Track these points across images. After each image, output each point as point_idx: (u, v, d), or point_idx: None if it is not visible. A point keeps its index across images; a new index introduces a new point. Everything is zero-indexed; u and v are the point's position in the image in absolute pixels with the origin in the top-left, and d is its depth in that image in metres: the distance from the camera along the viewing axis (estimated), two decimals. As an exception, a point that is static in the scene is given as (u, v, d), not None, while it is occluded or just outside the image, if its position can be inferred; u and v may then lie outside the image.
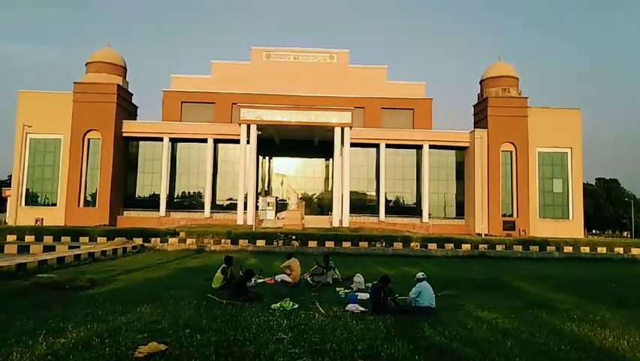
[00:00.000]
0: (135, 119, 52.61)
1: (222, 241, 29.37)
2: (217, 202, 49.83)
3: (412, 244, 30.33)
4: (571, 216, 48.52)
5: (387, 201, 49.50)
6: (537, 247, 30.70)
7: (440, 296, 11.61)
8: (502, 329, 8.67)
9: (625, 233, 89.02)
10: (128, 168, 49.91)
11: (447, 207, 51.10)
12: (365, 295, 11.18)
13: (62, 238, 29.84)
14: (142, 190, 50.46)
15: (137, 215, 47.39)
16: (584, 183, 54.14)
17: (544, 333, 8.38)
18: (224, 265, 13.20)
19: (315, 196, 54.14)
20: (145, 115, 78.11)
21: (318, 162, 53.74)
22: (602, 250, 31.12)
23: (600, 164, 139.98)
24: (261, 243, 29.01)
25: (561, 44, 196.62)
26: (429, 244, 30.17)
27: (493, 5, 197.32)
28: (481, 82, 52.73)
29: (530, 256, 28.86)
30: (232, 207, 47.47)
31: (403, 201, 51.82)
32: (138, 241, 27.99)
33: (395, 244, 29.96)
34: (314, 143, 50.24)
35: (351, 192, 45.79)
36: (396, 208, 50.53)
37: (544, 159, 48.93)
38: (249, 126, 43.97)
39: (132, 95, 52.70)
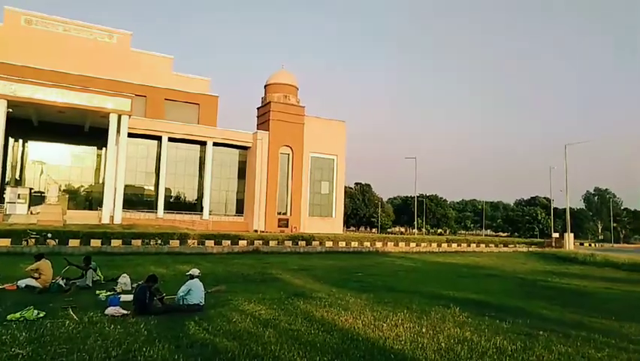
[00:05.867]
0: None
1: (-53, 240, 23.36)
2: (-57, 192, 39.58)
3: (190, 242, 29.74)
4: (334, 215, 55.26)
5: (167, 197, 47.47)
6: (304, 242, 33.91)
7: (210, 293, 11.75)
8: (263, 320, 9.26)
9: (373, 230, 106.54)
10: None
11: (228, 205, 52.02)
12: (129, 297, 10.46)
13: None
14: None
15: None
16: (345, 187, 62.56)
17: (299, 320, 9.29)
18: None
19: (83, 189, 48.19)
20: None
21: (89, 151, 47.99)
22: (354, 244, 36.33)
23: (359, 170, 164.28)
24: (5, 242, 24.14)
25: (337, 60, 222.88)
26: (207, 241, 30.07)
27: (283, 16, 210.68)
28: (265, 86, 55.45)
29: (298, 251, 31.74)
30: (-34, 198, 38.33)
31: (185, 197, 50.48)
32: None
33: (171, 241, 28.85)
34: (84, 129, 44.64)
35: (126, 186, 42.38)
36: (176, 205, 48.89)
37: (316, 163, 54.47)
38: (-4, 101, 36.20)
39: None
